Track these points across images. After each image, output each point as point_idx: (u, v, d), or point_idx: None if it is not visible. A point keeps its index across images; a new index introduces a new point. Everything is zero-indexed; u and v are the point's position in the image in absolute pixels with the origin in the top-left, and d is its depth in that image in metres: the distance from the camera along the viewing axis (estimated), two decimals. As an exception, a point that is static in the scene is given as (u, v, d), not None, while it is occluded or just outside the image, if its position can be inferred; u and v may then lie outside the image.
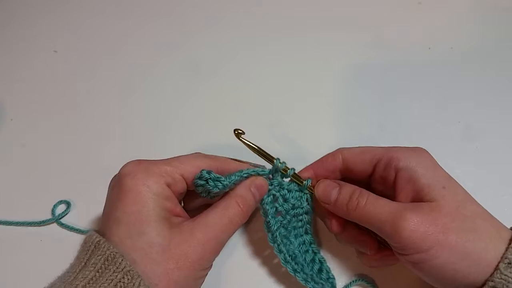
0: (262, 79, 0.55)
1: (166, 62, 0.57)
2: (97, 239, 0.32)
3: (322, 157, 0.39)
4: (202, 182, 0.35)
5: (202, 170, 0.35)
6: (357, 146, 0.38)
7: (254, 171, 0.37)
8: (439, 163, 0.35)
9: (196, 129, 0.51)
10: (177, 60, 0.57)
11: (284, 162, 0.38)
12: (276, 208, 0.38)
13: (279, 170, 0.38)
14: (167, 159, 0.36)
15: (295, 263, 0.37)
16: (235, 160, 0.39)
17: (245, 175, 0.36)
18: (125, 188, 0.33)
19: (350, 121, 0.51)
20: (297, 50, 0.57)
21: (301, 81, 0.55)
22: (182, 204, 0.40)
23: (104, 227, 0.34)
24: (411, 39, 0.57)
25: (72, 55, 0.59)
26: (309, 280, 0.37)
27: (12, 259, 0.43)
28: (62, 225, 0.45)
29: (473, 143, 0.49)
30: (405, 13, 0.60)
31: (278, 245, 0.37)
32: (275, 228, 0.37)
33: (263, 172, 0.37)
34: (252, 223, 0.43)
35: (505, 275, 0.29)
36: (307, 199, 0.39)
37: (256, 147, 0.38)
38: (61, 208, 0.46)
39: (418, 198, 0.33)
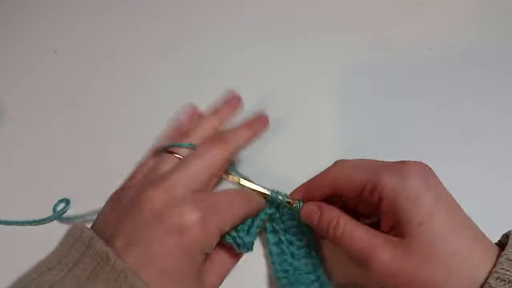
0: (262, 79, 0.55)
1: (166, 62, 0.57)
2: (110, 254, 0.29)
3: (312, 179, 0.39)
4: (231, 241, 0.36)
5: (235, 235, 0.36)
6: (355, 153, 0.38)
7: (265, 215, 0.39)
8: (436, 169, 0.33)
9: (196, 129, 0.51)
10: (177, 59, 0.57)
11: (277, 192, 0.39)
12: (279, 238, 0.39)
13: (275, 201, 0.39)
14: (220, 202, 0.36)
15: (288, 280, 0.38)
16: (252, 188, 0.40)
17: (260, 223, 0.38)
18: (186, 242, 0.31)
19: (350, 121, 0.51)
20: (297, 50, 0.57)
21: (301, 81, 0.55)
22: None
23: (133, 250, 0.30)
24: (411, 39, 0.57)
25: (72, 55, 0.59)
26: None
27: (12, 259, 0.43)
28: (66, 219, 0.45)
29: (473, 143, 0.49)
30: (405, 13, 0.60)
31: (273, 264, 0.39)
32: (276, 259, 0.39)
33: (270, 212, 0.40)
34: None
35: None
36: (298, 222, 0.40)
37: (247, 185, 0.40)
38: (61, 207, 0.46)
39: (397, 230, 0.32)
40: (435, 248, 0.30)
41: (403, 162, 0.33)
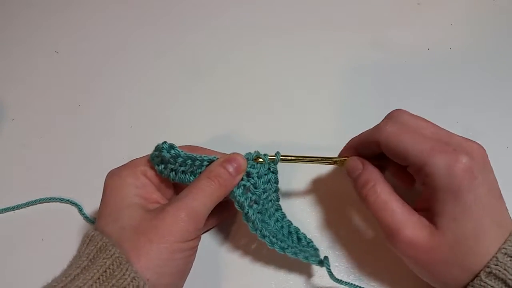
0: (262, 79, 0.55)
1: (166, 62, 0.57)
2: (92, 232, 0.34)
3: (364, 133, 0.39)
4: (157, 153, 0.37)
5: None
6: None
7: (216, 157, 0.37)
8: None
9: (196, 128, 0.51)
10: (177, 59, 0.58)
11: (256, 151, 0.38)
12: (250, 197, 0.37)
13: (250, 159, 0.38)
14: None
15: (280, 241, 0.38)
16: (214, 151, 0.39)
17: (206, 159, 0.36)
18: (105, 186, 0.37)
19: (350, 121, 0.51)
20: (297, 51, 0.58)
21: (301, 81, 0.55)
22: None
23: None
24: (410, 39, 0.57)
25: (72, 55, 0.59)
26: (298, 251, 0.38)
27: (13, 259, 0.44)
28: (81, 211, 0.46)
29: (472, 143, 0.49)
30: (404, 13, 0.60)
31: (260, 230, 0.37)
32: (254, 217, 0.37)
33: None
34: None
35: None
36: (275, 179, 0.40)
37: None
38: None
39: (430, 214, 0.33)
40: (461, 245, 0.31)
41: (464, 141, 0.33)
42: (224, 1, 0.63)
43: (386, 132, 0.35)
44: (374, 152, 0.37)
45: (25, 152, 0.51)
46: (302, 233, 0.41)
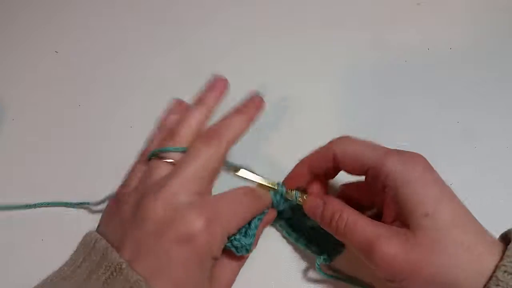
0: (262, 78, 0.55)
1: (166, 61, 0.57)
2: (124, 265, 0.30)
3: (316, 151, 0.39)
4: (228, 244, 0.36)
5: (232, 238, 0.35)
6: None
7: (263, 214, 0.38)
8: (436, 169, 0.33)
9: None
10: (177, 59, 0.58)
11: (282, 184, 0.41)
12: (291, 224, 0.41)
13: (283, 196, 0.40)
14: (225, 205, 0.35)
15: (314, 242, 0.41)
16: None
17: (258, 222, 0.38)
18: (195, 250, 0.31)
19: (349, 121, 0.51)
20: (297, 50, 0.58)
21: (300, 80, 0.55)
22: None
23: (142, 262, 0.31)
24: (410, 39, 0.57)
25: (73, 55, 0.59)
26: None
27: (13, 259, 0.44)
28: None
29: (472, 144, 0.49)
30: (404, 13, 0.60)
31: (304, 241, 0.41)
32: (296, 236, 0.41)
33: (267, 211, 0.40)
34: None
35: None
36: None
37: (256, 181, 0.40)
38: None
39: (401, 220, 0.32)
40: (442, 240, 0.30)
41: (403, 151, 0.34)
42: (224, 1, 0.63)
43: (342, 143, 0.36)
44: (327, 169, 0.38)
45: (25, 152, 0.51)
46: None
